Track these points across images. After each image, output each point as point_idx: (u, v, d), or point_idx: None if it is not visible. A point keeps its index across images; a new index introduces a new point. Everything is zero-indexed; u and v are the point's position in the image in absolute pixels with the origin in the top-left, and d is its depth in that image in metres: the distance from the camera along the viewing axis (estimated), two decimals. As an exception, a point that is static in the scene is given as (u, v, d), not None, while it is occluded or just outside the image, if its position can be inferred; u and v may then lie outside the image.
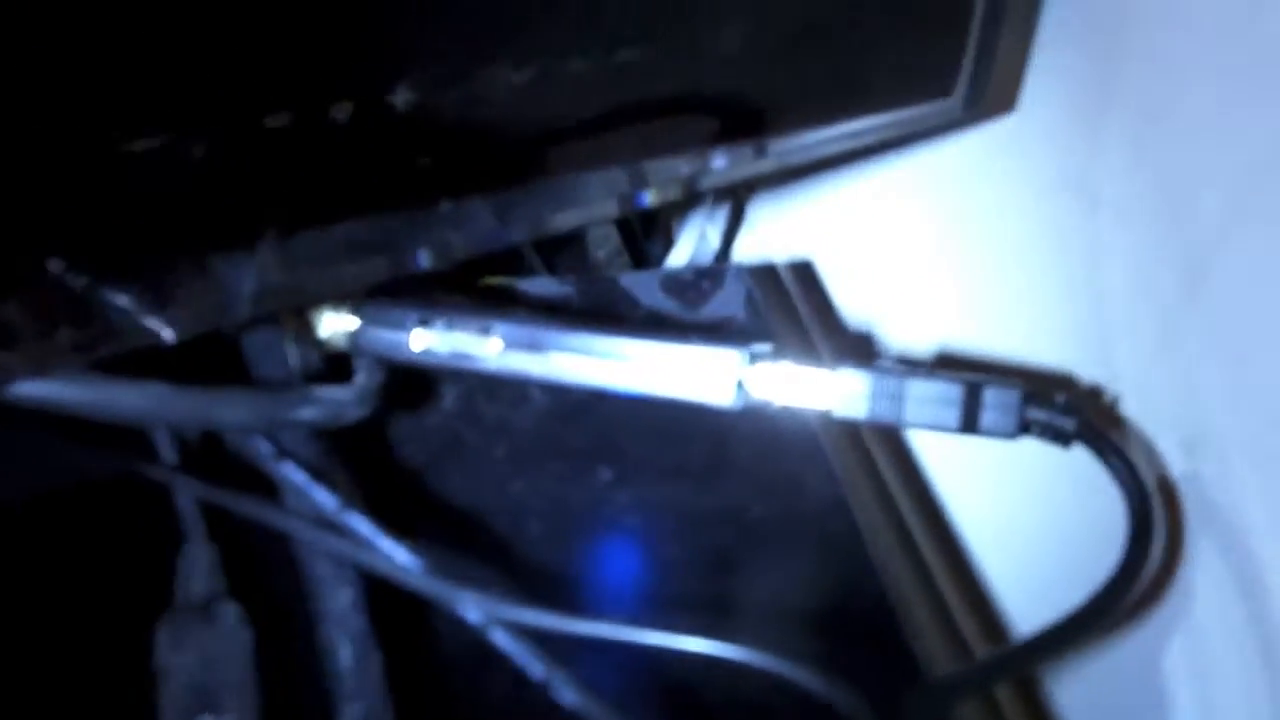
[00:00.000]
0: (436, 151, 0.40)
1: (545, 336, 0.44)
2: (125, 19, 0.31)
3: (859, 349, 0.61)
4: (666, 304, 0.55)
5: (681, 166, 0.46)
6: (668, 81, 0.43)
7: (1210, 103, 0.41)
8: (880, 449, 0.58)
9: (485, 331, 0.45)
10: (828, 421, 0.46)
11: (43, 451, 0.44)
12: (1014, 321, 0.51)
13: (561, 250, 0.65)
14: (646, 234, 0.73)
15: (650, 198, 0.46)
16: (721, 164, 0.46)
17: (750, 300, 0.55)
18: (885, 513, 0.55)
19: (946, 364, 0.55)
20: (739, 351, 0.43)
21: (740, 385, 0.43)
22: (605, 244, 0.70)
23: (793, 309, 0.61)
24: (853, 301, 0.63)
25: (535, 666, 0.38)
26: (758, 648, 0.38)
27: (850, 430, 0.56)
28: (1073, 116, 0.47)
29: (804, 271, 0.66)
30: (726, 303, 0.55)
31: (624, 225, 0.72)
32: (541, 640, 0.39)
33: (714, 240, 0.75)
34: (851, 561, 0.47)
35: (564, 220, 0.45)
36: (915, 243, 0.58)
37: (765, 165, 0.46)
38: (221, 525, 0.42)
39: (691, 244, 0.68)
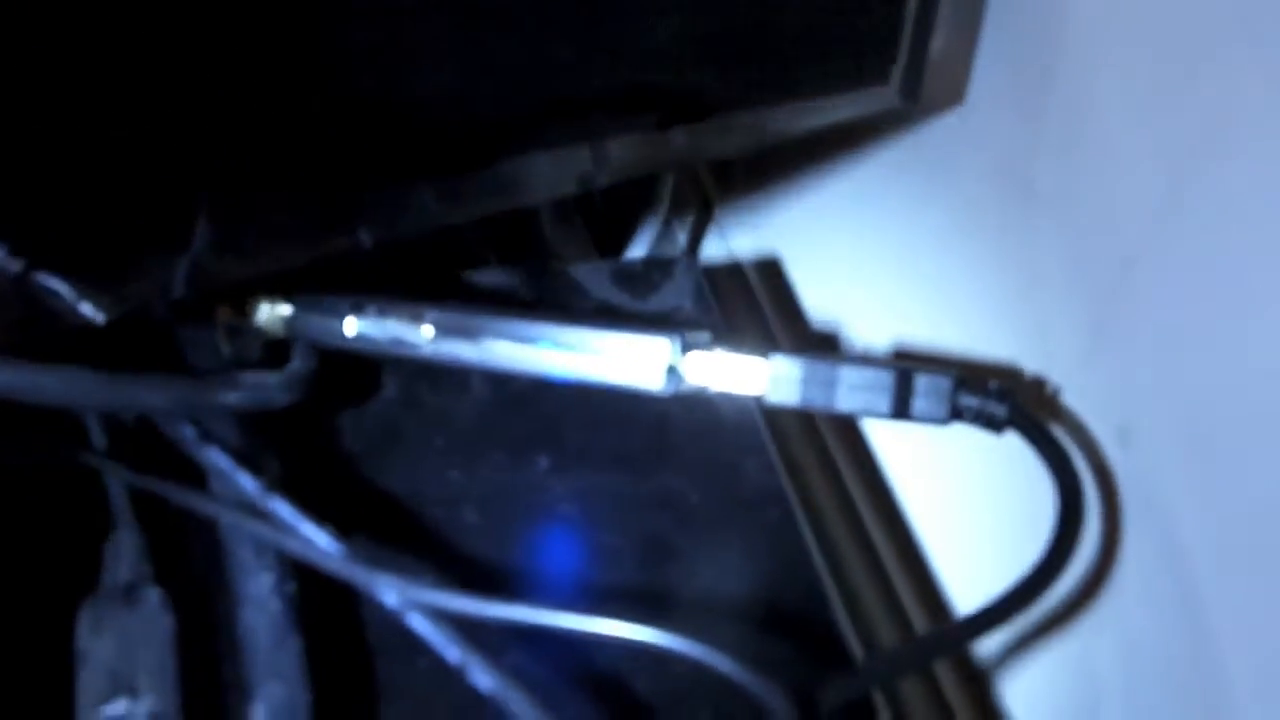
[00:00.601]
0: (374, 134, 0.41)
1: (478, 323, 0.44)
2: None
3: (820, 343, 0.61)
4: (616, 295, 0.55)
5: (616, 150, 0.46)
6: (603, 70, 0.43)
7: (1142, 95, 0.41)
8: (832, 434, 0.58)
9: (418, 318, 0.45)
10: (769, 410, 0.46)
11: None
12: (963, 315, 0.51)
13: (521, 241, 0.65)
14: (615, 232, 0.73)
15: (589, 182, 0.46)
16: (681, 143, 0.46)
17: (699, 292, 0.55)
18: (832, 499, 0.55)
19: (899, 357, 0.54)
20: (670, 338, 0.43)
21: (672, 371, 0.43)
22: (568, 240, 0.70)
23: (753, 303, 0.61)
24: (817, 298, 0.63)
25: (451, 650, 0.38)
26: (681, 634, 0.37)
27: (802, 417, 0.56)
28: (1015, 108, 0.47)
29: (769, 268, 0.66)
30: (675, 294, 0.55)
31: (592, 220, 0.72)
32: (461, 625, 0.38)
33: (681, 238, 0.75)
34: (787, 549, 0.47)
35: (502, 203, 0.45)
36: (873, 240, 0.58)
37: (702, 147, 0.46)
38: (153, 510, 0.42)
39: (653, 239, 0.68)
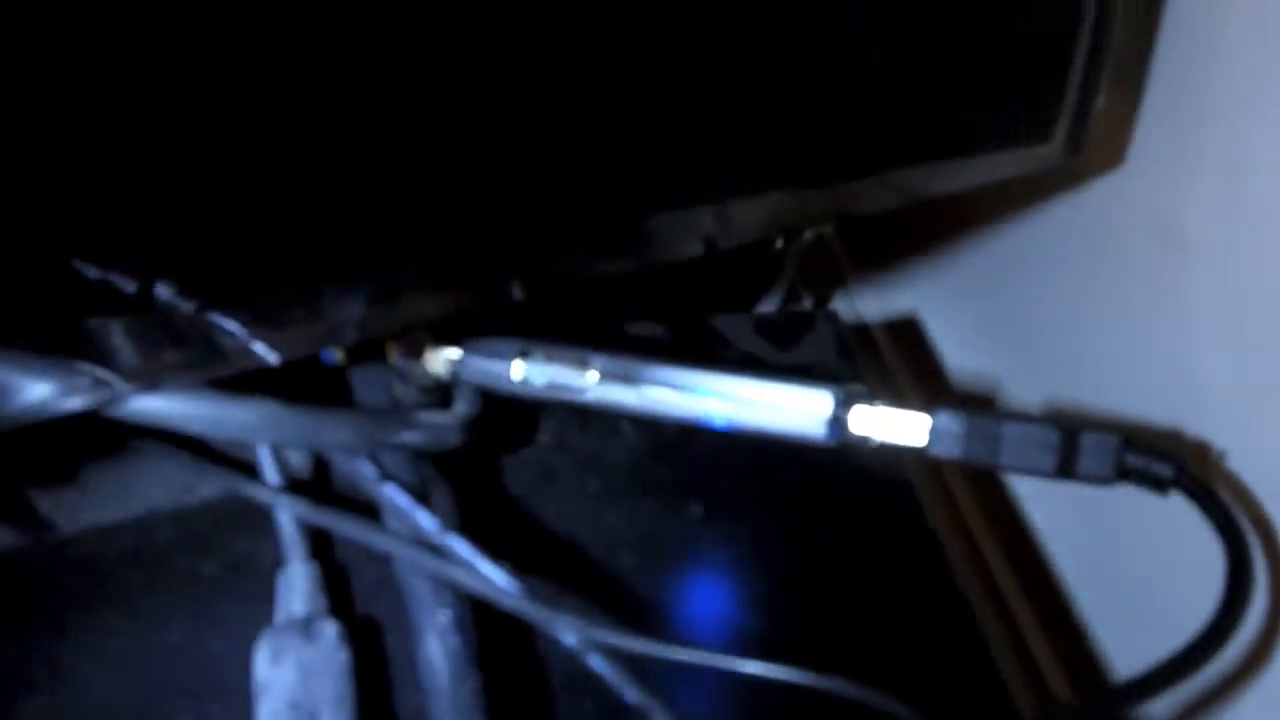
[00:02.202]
0: (529, 187, 0.41)
1: (641, 370, 0.45)
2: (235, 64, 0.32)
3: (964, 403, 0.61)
4: (758, 346, 0.56)
5: (765, 208, 0.46)
6: (762, 125, 0.44)
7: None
8: (974, 486, 0.58)
9: (583, 364, 0.45)
10: (920, 462, 0.46)
11: (152, 472, 0.46)
12: (1118, 376, 0.51)
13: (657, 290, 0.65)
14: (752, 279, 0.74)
15: (739, 236, 0.47)
16: (817, 203, 0.47)
17: (841, 345, 0.56)
18: (964, 556, 0.55)
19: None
20: (833, 390, 0.44)
21: (834, 422, 0.44)
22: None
23: (884, 361, 0.62)
24: (958, 358, 0.63)
25: (630, 692, 0.38)
26: (847, 679, 0.38)
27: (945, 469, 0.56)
28: (1171, 164, 0.47)
29: (905, 327, 0.67)
30: (817, 347, 0.56)
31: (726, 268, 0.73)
32: (636, 667, 0.39)
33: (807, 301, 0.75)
34: (942, 597, 0.47)
35: (653, 255, 0.45)
36: (1019, 300, 0.58)
37: (860, 205, 0.47)
38: (323, 545, 0.43)
39: (780, 298, 0.68)
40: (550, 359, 0.45)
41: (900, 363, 0.65)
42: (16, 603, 0.43)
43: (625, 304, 0.60)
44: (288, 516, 0.43)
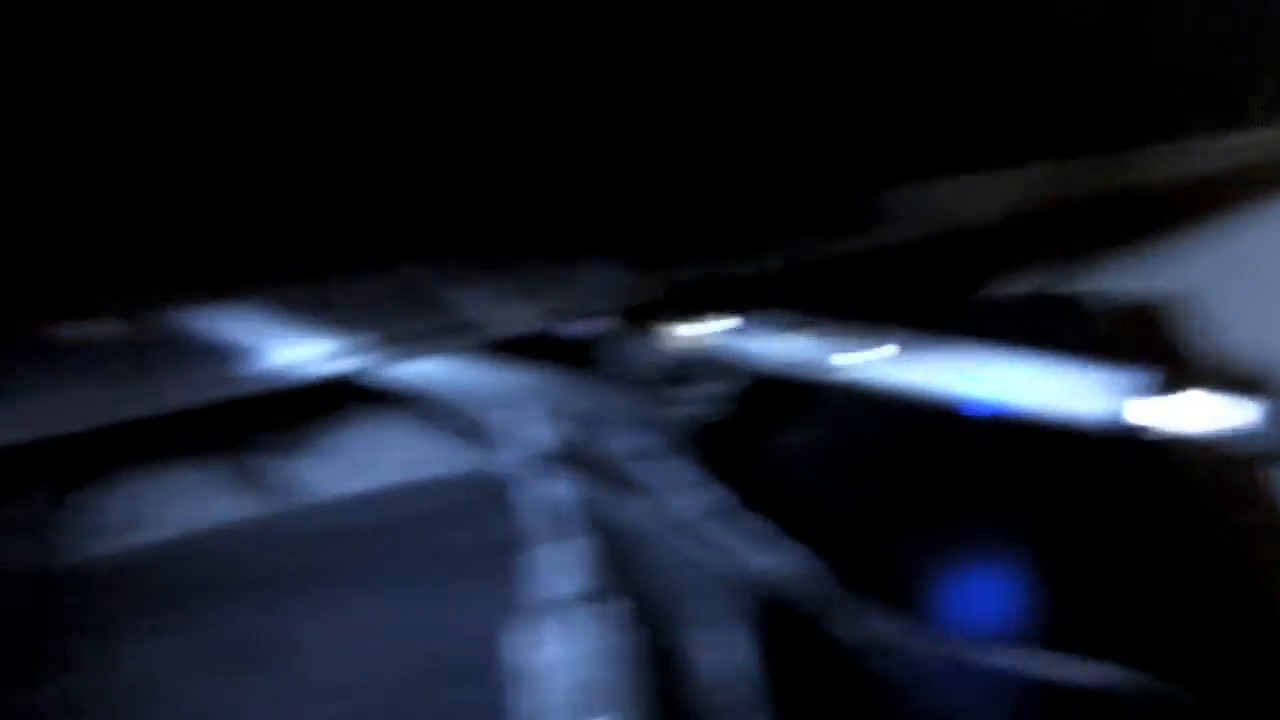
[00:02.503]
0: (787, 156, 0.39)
1: (917, 349, 0.42)
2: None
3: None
4: (1022, 329, 0.53)
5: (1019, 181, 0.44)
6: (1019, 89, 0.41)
7: None
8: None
9: (852, 344, 0.43)
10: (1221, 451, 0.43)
11: (401, 443, 0.45)
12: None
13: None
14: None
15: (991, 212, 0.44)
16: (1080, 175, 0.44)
17: (1111, 328, 0.53)
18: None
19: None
20: (1126, 375, 0.41)
21: (1128, 409, 0.41)
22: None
23: (1161, 342, 0.59)
24: (1234, 340, 0.60)
25: (919, 685, 0.36)
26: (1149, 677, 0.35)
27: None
28: None
29: (1166, 308, 0.64)
30: (1083, 330, 0.53)
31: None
32: (925, 660, 0.36)
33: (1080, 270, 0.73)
34: (1241, 596, 0.44)
35: (912, 229, 0.44)
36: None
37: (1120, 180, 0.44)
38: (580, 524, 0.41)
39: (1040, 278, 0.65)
40: (824, 335, 0.43)
41: (1165, 346, 0.62)
42: (255, 572, 0.42)
43: (879, 285, 0.58)
44: (538, 493, 0.41)
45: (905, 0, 0.38)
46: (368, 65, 0.30)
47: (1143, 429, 0.41)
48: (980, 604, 0.42)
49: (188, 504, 0.44)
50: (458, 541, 0.43)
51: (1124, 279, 0.66)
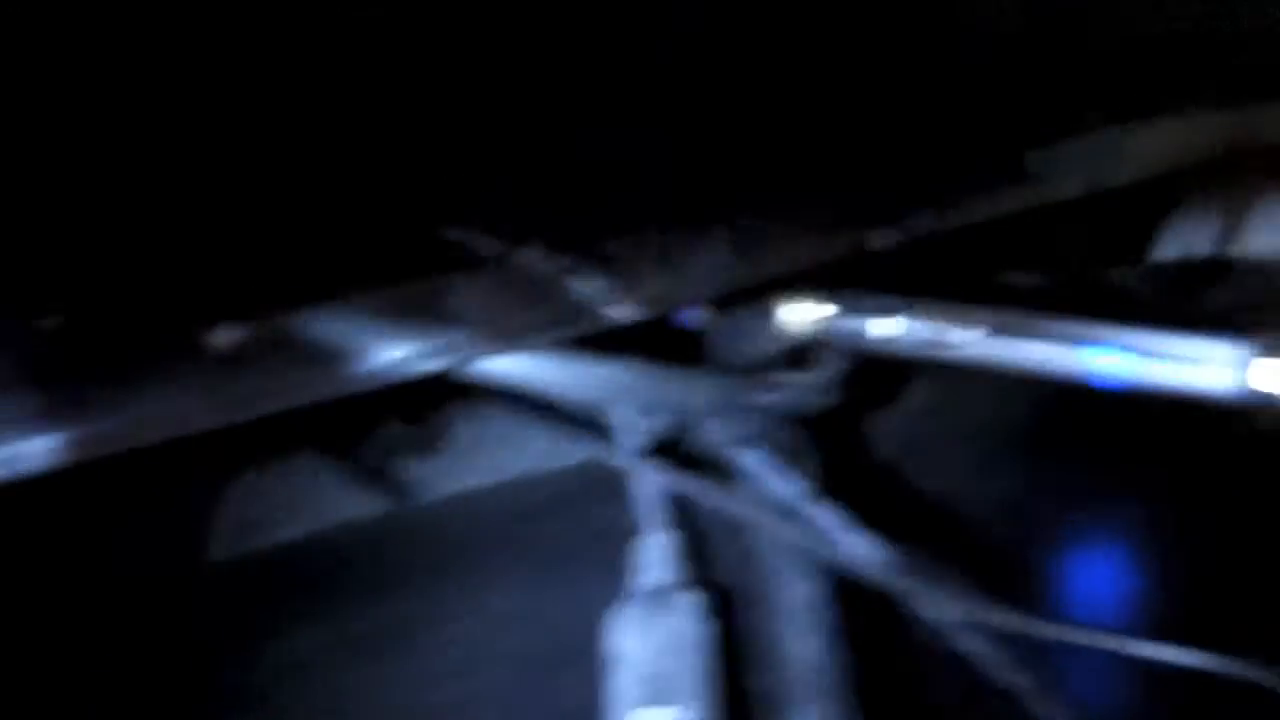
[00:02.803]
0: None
1: (1027, 325, 0.41)
2: None
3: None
4: (1161, 298, 0.51)
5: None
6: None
7: None
8: None
9: (965, 320, 0.42)
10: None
11: (512, 440, 0.46)
12: None
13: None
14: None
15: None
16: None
17: (1264, 292, 0.50)
18: None
19: None
20: (1243, 342, 0.38)
21: (1248, 377, 0.39)
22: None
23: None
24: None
25: (1007, 673, 0.35)
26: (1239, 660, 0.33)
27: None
28: None
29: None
30: (1233, 296, 0.50)
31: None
32: (1013, 647, 0.35)
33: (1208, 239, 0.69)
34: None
35: (1028, 197, 0.42)
36: None
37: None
38: (682, 513, 0.42)
39: (1182, 240, 0.62)
40: (930, 314, 0.42)
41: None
42: (378, 569, 0.44)
43: (1010, 257, 0.56)
44: (644, 483, 0.42)
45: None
46: (468, 63, 0.31)
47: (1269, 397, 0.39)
48: (1084, 588, 0.41)
49: (317, 501, 0.46)
50: (570, 533, 0.43)
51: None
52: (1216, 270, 0.50)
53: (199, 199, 0.31)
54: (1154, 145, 0.42)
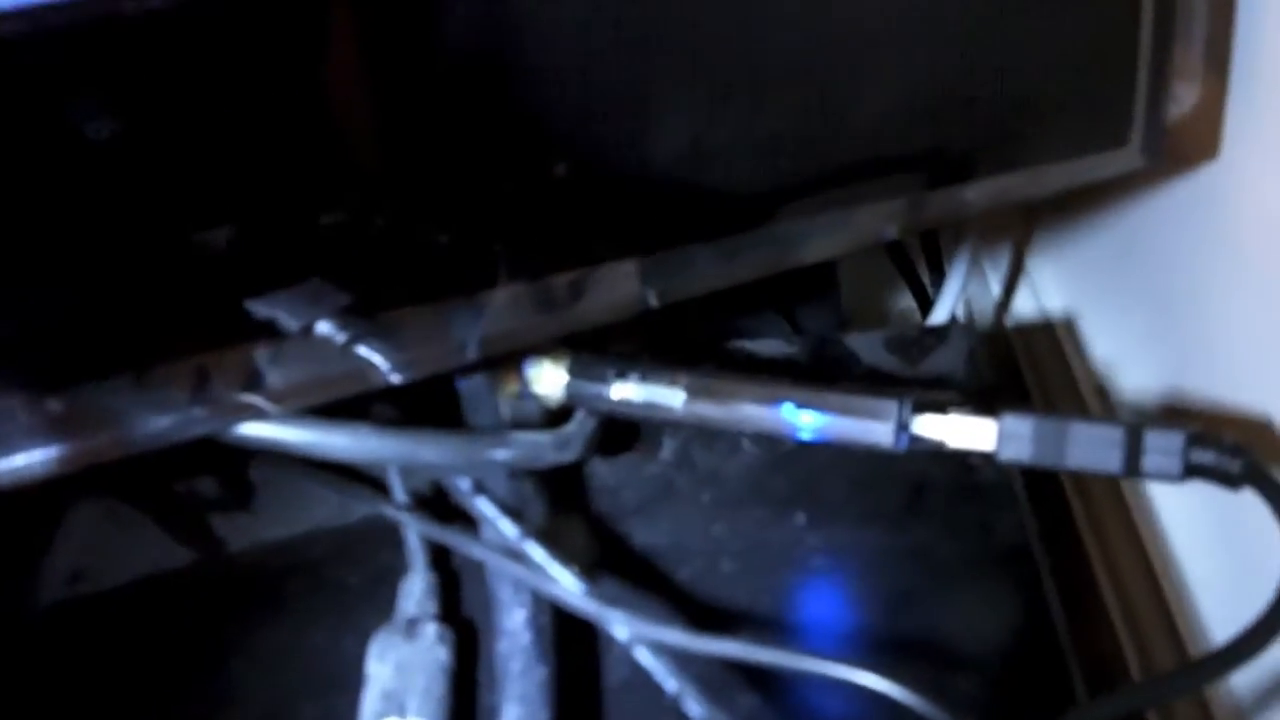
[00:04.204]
0: (655, 204, 0.45)
1: (725, 387, 0.48)
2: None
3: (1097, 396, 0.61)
4: (888, 361, 0.58)
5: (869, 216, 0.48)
6: (847, 141, 0.46)
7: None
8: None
9: (673, 383, 0.49)
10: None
11: (311, 495, 0.52)
12: (1229, 369, 0.50)
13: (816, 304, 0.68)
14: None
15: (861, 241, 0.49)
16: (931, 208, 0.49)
17: (970, 357, 0.57)
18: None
19: (1171, 414, 0.54)
20: (899, 400, 0.45)
21: (903, 430, 0.45)
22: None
23: (1019, 364, 0.62)
24: (1103, 349, 0.63)
25: (669, 682, 0.41)
26: (897, 680, 0.40)
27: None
28: (1271, 157, 0.46)
29: (1057, 329, 0.67)
30: (947, 360, 0.57)
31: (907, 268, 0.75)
32: (687, 662, 0.42)
33: (994, 288, 0.76)
34: (1029, 604, 0.48)
35: (775, 264, 0.48)
36: (1157, 288, 0.58)
37: (938, 213, 0.48)
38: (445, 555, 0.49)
39: (960, 287, 0.69)
40: (644, 379, 0.49)
41: (1053, 368, 0.65)
42: (191, 611, 0.50)
43: (758, 323, 0.63)
44: (410, 532, 0.49)
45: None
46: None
47: (932, 446, 0.46)
48: (794, 616, 0.48)
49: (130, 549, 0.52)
50: (355, 577, 0.50)
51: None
52: (941, 336, 0.57)
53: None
54: (875, 220, 0.49)
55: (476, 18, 0.38)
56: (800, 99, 0.44)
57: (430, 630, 0.45)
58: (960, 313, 0.72)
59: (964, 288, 0.69)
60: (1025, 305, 0.75)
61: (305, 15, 0.35)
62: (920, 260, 0.75)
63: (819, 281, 0.67)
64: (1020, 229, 0.75)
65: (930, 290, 0.75)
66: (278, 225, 0.39)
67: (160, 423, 0.41)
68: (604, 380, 0.49)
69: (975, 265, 0.74)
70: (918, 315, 0.77)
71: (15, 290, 0.37)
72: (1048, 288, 0.71)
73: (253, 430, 0.43)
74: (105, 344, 0.40)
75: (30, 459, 0.39)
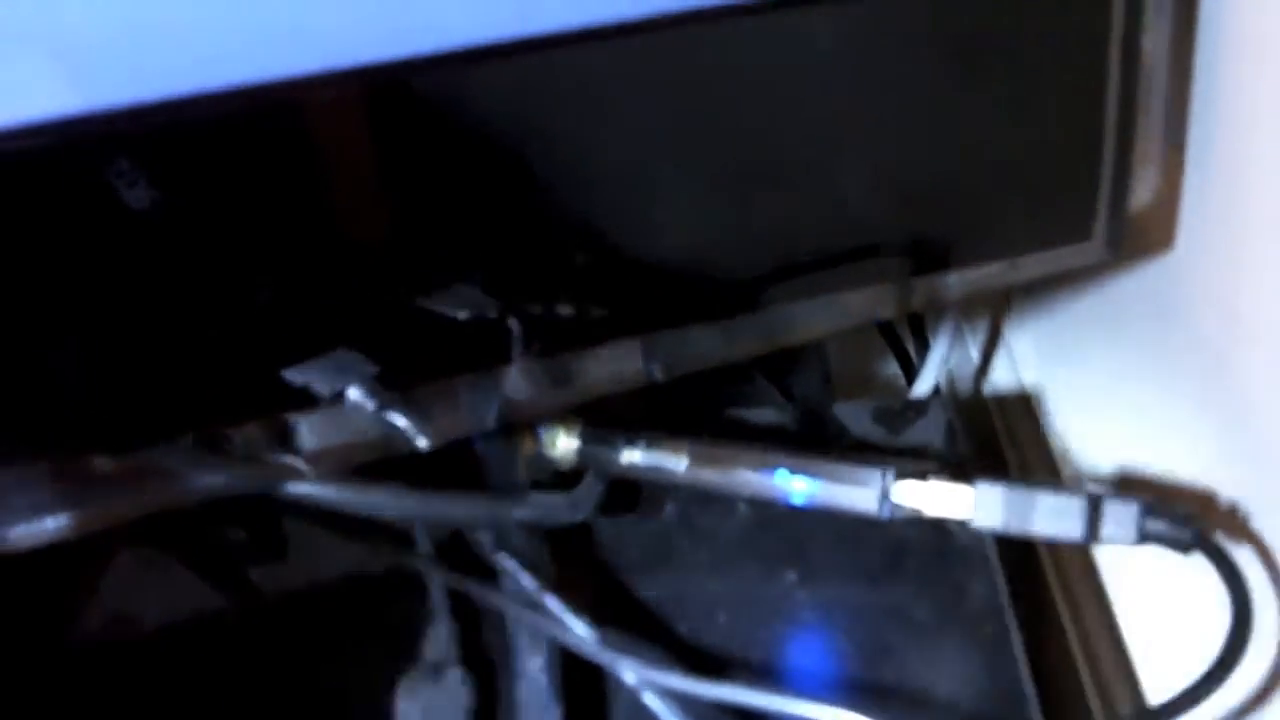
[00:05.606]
0: (658, 288, 0.49)
1: (724, 454, 0.53)
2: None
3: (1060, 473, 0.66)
4: (874, 431, 0.63)
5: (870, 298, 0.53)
6: (833, 234, 0.51)
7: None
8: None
9: (677, 450, 0.53)
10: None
11: (343, 545, 0.57)
12: (1180, 445, 0.55)
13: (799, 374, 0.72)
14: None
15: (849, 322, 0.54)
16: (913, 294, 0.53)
17: (948, 428, 0.62)
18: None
19: (1124, 482, 0.59)
20: (883, 469, 0.50)
21: (885, 498, 0.50)
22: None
23: (996, 432, 0.67)
24: (1067, 426, 0.68)
25: (677, 720, 0.46)
26: (870, 715, 0.44)
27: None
28: (1223, 247, 0.51)
29: (1031, 398, 0.72)
30: (927, 430, 0.62)
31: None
32: (691, 705, 0.47)
33: (975, 356, 0.81)
34: (999, 661, 0.52)
35: (771, 343, 0.52)
36: (1119, 368, 0.62)
37: (922, 298, 0.53)
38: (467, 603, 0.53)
39: (943, 359, 0.73)
40: (650, 446, 0.54)
41: (1028, 435, 0.70)
42: (226, 654, 0.54)
43: (750, 389, 0.68)
44: (435, 582, 0.53)
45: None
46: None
47: (911, 513, 0.51)
48: (783, 665, 0.52)
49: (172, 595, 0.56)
50: (386, 622, 0.54)
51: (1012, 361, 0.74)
52: (922, 409, 0.62)
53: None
54: (863, 303, 0.54)
55: (501, 133, 0.42)
56: (787, 198, 0.49)
57: (454, 674, 0.50)
58: (942, 380, 0.76)
59: (947, 358, 0.74)
60: (1004, 374, 0.79)
61: (337, 120, 0.40)
62: (905, 330, 0.80)
63: (808, 351, 0.71)
64: (999, 302, 0.79)
65: (915, 358, 0.79)
66: (315, 308, 0.44)
67: (210, 481, 0.45)
68: (614, 447, 0.54)
69: (957, 335, 0.78)
70: (902, 381, 0.81)
71: (95, 366, 0.42)
72: (1025, 357, 0.76)
73: (302, 489, 0.47)
74: (166, 411, 0.44)
75: (94, 511, 0.44)
